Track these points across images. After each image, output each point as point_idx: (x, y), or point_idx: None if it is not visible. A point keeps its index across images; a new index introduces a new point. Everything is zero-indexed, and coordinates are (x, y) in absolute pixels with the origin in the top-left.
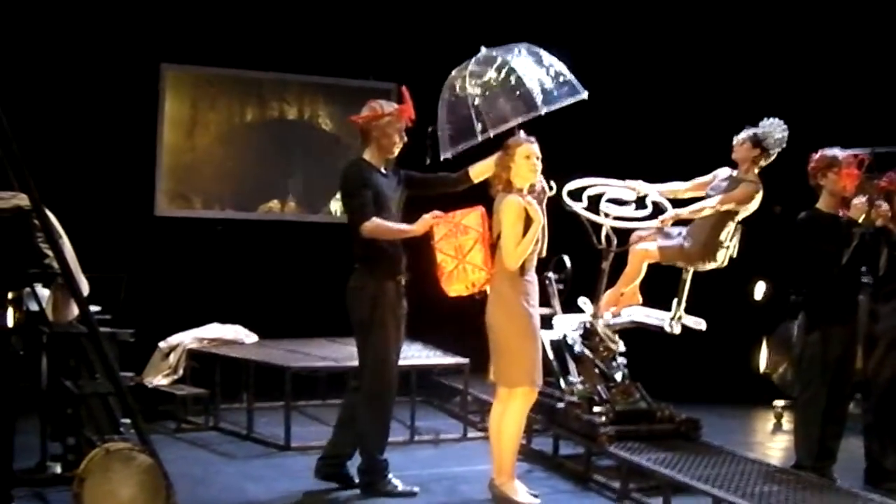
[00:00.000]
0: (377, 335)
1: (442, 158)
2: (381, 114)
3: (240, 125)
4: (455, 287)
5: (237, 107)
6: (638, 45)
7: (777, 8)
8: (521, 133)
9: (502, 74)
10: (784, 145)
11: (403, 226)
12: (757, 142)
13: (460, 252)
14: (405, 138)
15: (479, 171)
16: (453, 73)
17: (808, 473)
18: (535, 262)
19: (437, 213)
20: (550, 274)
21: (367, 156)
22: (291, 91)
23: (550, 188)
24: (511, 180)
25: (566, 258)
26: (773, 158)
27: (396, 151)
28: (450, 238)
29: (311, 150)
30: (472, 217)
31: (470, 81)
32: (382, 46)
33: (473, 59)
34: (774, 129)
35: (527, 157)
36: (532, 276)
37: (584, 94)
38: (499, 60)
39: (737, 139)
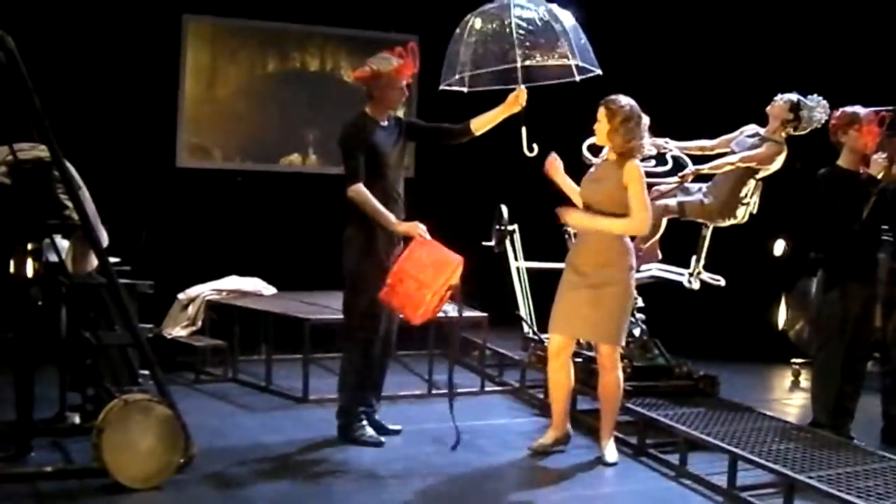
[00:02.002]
0: (362, 286)
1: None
2: (379, 73)
3: (261, 77)
4: (394, 302)
5: (258, 58)
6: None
7: None
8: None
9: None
10: (817, 127)
11: (385, 212)
12: (796, 108)
13: (421, 282)
14: (406, 94)
15: (481, 123)
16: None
17: (825, 431)
18: None
19: (424, 233)
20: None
21: (368, 109)
22: (313, 43)
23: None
24: (630, 148)
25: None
26: (801, 132)
27: (398, 107)
28: (421, 265)
29: (333, 103)
30: (454, 272)
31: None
32: None
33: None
34: (817, 107)
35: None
36: None
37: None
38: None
39: (778, 96)
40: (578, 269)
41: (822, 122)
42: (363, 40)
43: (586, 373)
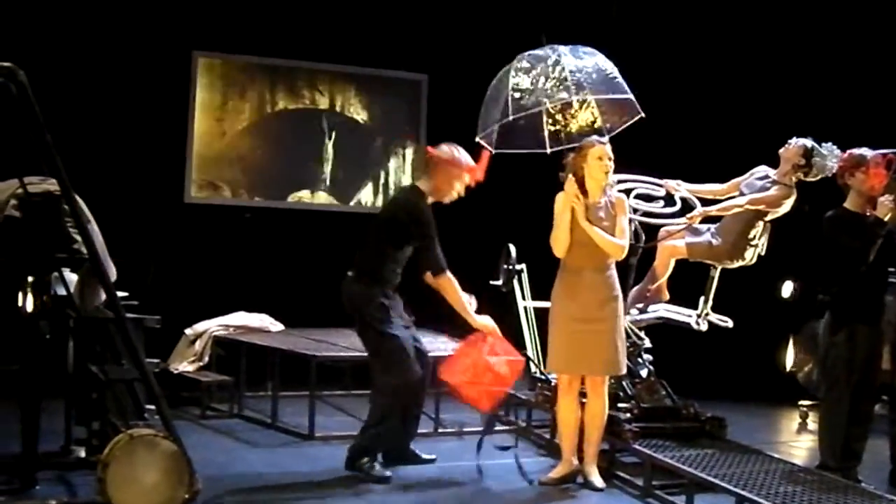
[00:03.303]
0: (393, 336)
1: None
2: (456, 162)
3: (271, 114)
4: (468, 393)
5: (268, 95)
6: (681, 44)
7: (807, 12)
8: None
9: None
10: (827, 175)
11: (466, 304)
12: (809, 154)
13: (501, 377)
14: (462, 194)
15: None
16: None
17: (832, 474)
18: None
19: (494, 329)
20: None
21: (422, 185)
22: (323, 80)
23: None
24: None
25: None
26: (811, 178)
27: (448, 202)
28: (499, 361)
29: (342, 140)
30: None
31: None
32: (414, 37)
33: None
34: (829, 156)
35: (599, 159)
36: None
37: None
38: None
39: (793, 140)
40: (582, 308)
41: (833, 171)
42: (371, 78)
43: None
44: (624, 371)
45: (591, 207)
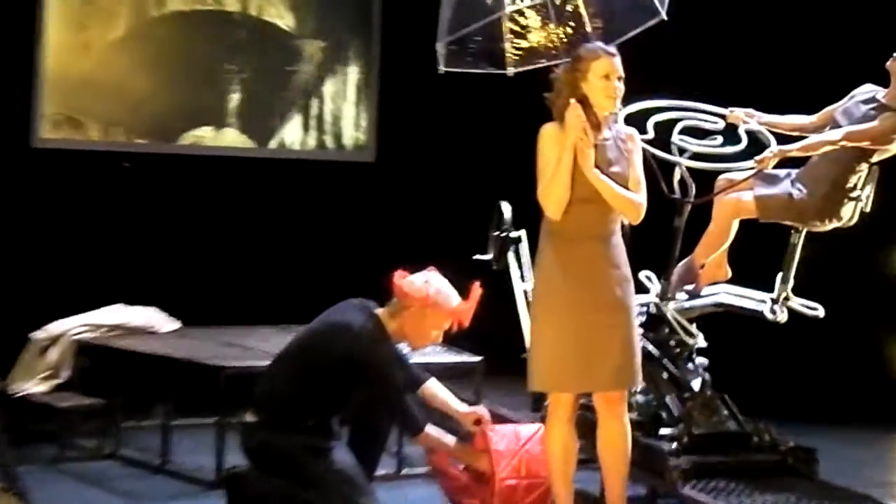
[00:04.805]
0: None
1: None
2: (433, 304)
3: (156, 18)
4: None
5: None
6: None
7: None
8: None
9: None
10: None
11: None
12: None
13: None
14: (440, 339)
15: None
16: None
17: None
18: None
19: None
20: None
21: (388, 324)
22: None
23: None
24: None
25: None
26: None
27: (419, 349)
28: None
29: (258, 54)
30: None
31: None
32: None
33: None
34: None
35: (605, 77)
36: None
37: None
38: None
39: None
40: (584, 295)
41: None
42: None
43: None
44: (640, 383)
45: (597, 148)
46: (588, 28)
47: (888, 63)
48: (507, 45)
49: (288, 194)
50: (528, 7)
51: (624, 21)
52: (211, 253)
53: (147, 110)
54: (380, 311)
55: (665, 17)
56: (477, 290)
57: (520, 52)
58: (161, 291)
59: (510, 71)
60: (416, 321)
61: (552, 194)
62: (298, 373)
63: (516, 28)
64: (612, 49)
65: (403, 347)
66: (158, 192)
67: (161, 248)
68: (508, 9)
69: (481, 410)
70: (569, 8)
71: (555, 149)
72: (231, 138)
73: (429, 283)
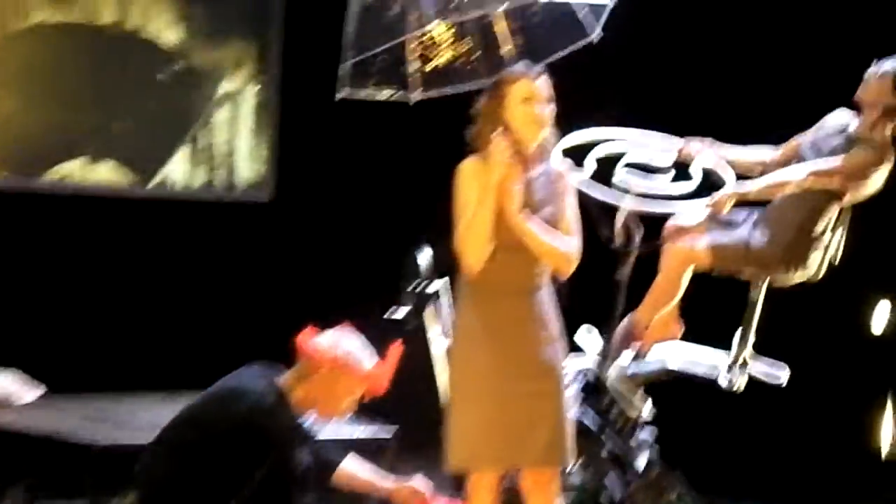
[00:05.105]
0: None
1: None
2: (344, 367)
3: (17, 31)
4: None
5: (10, 2)
6: None
7: None
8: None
9: None
10: None
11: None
12: None
13: None
14: (354, 408)
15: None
16: None
17: None
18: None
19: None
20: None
21: (291, 386)
22: None
23: None
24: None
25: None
26: None
27: (330, 419)
28: None
29: (138, 75)
30: None
31: None
32: None
33: None
34: None
35: (527, 100)
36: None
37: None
38: None
39: (871, 73)
40: (507, 359)
41: None
42: None
43: None
44: (573, 460)
45: (524, 187)
46: (509, 46)
47: (858, 93)
48: (415, 67)
49: (172, 238)
50: (440, 23)
51: (551, 39)
52: (82, 307)
53: (6, 140)
54: (284, 376)
55: (595, 39)
56: (396, 350)
57: (430, 75)
58: (22, 351)
59: (417, 96)
60: (325, 387)
61: (471, 241)
62: (186, 449)
63: (426, 47)
64: (535, 69)
65: (315, 421)
66: (20, 236)
67: (22, 301)
68: (417, 28)
69: (417, 482)
70: (486, 23)
71: (476, 187)
72: (106, 173)
73: (339, 343)
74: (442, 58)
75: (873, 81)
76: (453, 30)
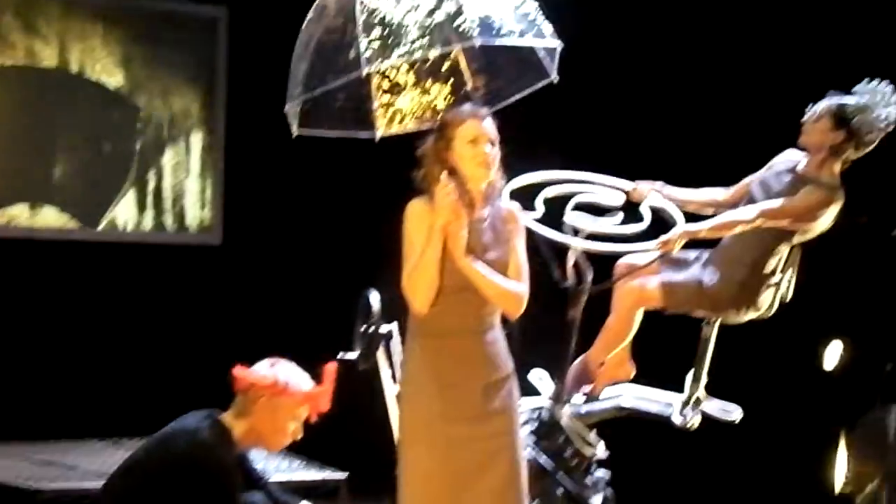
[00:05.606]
0: None
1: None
2: (283, 390)
3: None
4: None
5: None
6: None
7: None
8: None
9: None
10: (889, 129)
11: None
12: (842, 120)
13: None
14: (300, 434)
15: None
16: None
17: None
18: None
19: None
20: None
21: (231, 422)
22: (49, 16)
23: None
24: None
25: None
26: (865, 150)
27: (278, 449)
28: None
29: (83, 119)
30: None
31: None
32: None
33: None
34: (876, 99)
35: (473, 142)
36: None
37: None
38: None
39: (809, 113)
40: (457, 403)
41: (893, 120)
42: (134, 13)
43: None
44: (525, 501)
45: (471, 229)
46: (469, 87)
47: (801, 137)
48: (375, 105)
49: (119, 283)
50: (401, 62)
51: (510, 81)
52: (26, 353)
53: None
54: (224, 414)
55: (555, 79)
56: (332, 369)
57: (390, 114)
58: None
59: (378, 134)
60: (267, 415)
61: (417, 283)
62: (132, 495)
63: (386, 86)
64: (481, 110)
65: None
66: None
67: None
68: (375, 65)
69: None
70: (447, 65)
71: (423, 229)
72: (51, 218)
73: (275, 368)
74: (407, 97)
75: (811, 125)
76: (412, 69)
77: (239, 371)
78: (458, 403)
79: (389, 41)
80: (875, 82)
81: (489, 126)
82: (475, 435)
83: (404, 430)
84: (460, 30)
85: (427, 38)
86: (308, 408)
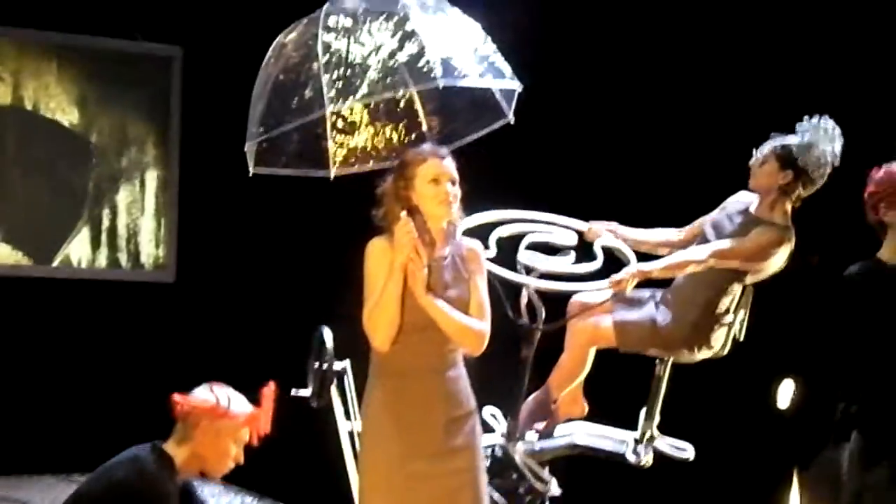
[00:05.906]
0: None
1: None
2: (223, 413)
3: None
4: None
5: None
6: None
7: None
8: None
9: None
10: (836, 164)
11: None
12: (788, 160)
13: None
14: (241, 459)
15: None
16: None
17: None
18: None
19: None
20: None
21: (173, 450)
22: (3, 54)
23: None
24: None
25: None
26: (813, 189)
27: (221, 474)
28: None
29: (36, 155)
30: None
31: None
32: None
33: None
34: (819, 135)
35: (434, 181)
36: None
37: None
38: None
39: (756, 156)
40: (418, 442)
41: (837, 155)
42: (88, 51)
43: None
44: None
45: (431, 267)
46: (424, 127)
47: (750, 182)
48: (330, 144)
49: (73, 320)
50: (356, 103)
51: (466, 122)
52: None
53: None
54: (165, 443)
55: (511, 120)
56: (270, 390)
57: (345, 153)
58: None
59: (332, 173)
60: (209, 440)
61: (378, 322)
62: None
63: (341, 125)
64: (442, 150)
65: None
66: None
67: None
68: (332, 106)
69: None
70: (402, 105)
71: (383, 267)
72: (4, 254)
73: (215, 391)
74: (361, 136)
75: (758, 169)
76: (366, 109)
77: (178, 397)
78: (417, 441)
79: (351, 81)
80: (816, 118)
81: (450, 165)
82: (435, 472)
83: (364, 474)
84: (423, 71)
85: (389, 78)
86: (249, 430)
